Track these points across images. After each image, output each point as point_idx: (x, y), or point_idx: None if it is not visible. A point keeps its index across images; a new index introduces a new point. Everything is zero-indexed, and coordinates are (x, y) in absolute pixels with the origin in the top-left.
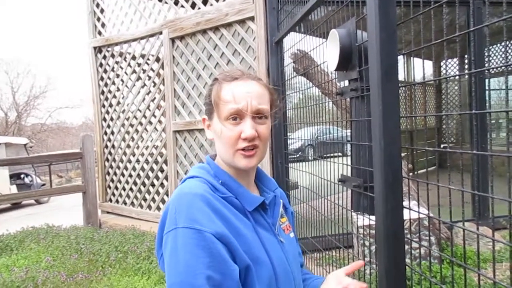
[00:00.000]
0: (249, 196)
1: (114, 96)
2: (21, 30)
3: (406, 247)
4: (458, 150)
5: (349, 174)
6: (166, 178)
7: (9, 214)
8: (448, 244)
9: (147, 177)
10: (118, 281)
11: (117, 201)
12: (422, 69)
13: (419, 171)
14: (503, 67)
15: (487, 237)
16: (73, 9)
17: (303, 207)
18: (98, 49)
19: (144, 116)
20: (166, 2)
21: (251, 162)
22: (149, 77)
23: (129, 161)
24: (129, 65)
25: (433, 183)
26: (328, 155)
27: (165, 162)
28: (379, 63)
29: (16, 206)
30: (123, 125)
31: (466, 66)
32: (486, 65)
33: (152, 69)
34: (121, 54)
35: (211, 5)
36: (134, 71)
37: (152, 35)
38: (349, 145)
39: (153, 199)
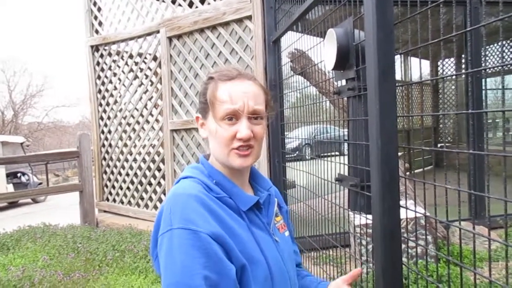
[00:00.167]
0: (243, 196)
1: (111, 95)
2: (18, 29)
3: (403, 246)
4: (454, 149)
5: (346, 173)
6: (163, 177)
7: (6, 213)
8: (445, 243)
9: (144, 176)
10: (115, 280)
11: (114, 200)
12: (419, 68)
13: (416, 171)
14: (499, 67)
15: (484, 236)
16: (70, 7)
17: (300, 206)
18: (95, 48)
19: (141, 115)
20: (163, 1)
21: (246, 161)
22: (146, 76)
23: (126, 160)
24: (126, 63)
25: (429, 182)
26: (325, 154)
27: (162, 161)
28: (376, 63)
29: (12, 205)
30: (120, 124)
31: (463, 66)
32: (483, 65)
33: (149, 68)
34: (118, 53)
35: (209, 3)
36: (131, 70)
37: (149, 34)
38: (346, 144)
39: (150, 198)
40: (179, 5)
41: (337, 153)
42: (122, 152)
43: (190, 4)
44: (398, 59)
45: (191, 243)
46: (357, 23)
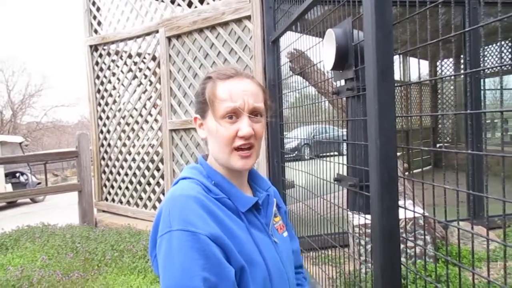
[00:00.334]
0: (242, 197)
1: (110, 95)
2: (17, 28)
3: (402, 246)
4: (453, 149)
5: (345, 173)
6: (162, 177)
7: (4, 213)
8: (443, 243)
9: (143, 176)
10: (114, 280)
11: (113, 200)
12: (418, 69)
13: (414, 171)
14: (498, 67)
15: (482, 236)
16: (69, 7)
17: (299, 206)
18: (94, 48)
19: (140, 115)
20: (162, 1)
21: (247, 163)
22: (146, 76)
23: (125, 159)
24: (125, 63)
25: (428, 182)
26: (324, 154)
27: (161, 161)
28: (375, 63)
29: (11, 204)
30: (119, 123)
31: (462, 66)
32: (482, 65)
33: (148, 68)
34: (117, 53)
35: (208, 3)
36: (130, 70)
37: (148, 34)
38: (345, 144)
39: (149, 198)
40: (178, 5)
41: (336, 153)
42: (121, 152)
43: (189, 4)
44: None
45: (190, 245)
46: (356, 23)
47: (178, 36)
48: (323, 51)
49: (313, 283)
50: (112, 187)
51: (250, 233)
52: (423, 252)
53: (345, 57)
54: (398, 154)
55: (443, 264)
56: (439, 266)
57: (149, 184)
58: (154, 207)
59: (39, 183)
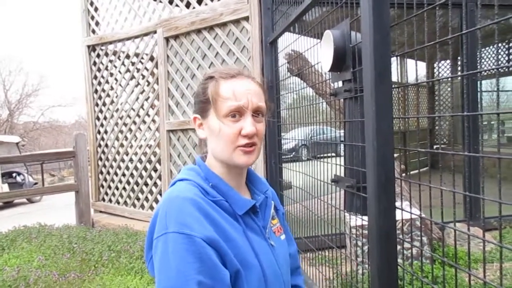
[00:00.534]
0: (239, 199)
1: (108, 95)
2: (14, 28)
3: (398, 247)
4: (450, 151)
5: (342, 175)
6: (159, 177)
7: (1, 213)
8: (440, 244)
9: (141, 176)
10: (111, 280)
11: (110, 201)
12: (415, 70)
13: (411, 172)
14: (494, 69)
15: (478, 238)
16: (67, 7)
17: (297, 207)
18: (91, 48)
19: (138, 115)
20: (160, 1)
21: (250, 158)
22: (143, 76)
23: (123, 160)
24: (123, 64)
25: (425, 184)
26: (322, 155)
27: (159, 161)
28: (372, 65)
29: (7, 205)
30: (116, 124)
31: (459, 68)
32: (478, 67)
33: (146, 68)
34: (115, 53)
35: (206, 4)
36: (128, 70)
37: (146, 34)
38: (342, 146)
39: (146, 199)
40: (176, 5)
41: (333, 154)
42: (118, 152)
43: (188, 5)
44: (394, 61)
45: (186, 248)
46: (353, 25)
47: (176, 37)
48: (321, 53)
49: (310, 284)
50: (109, 187)
51: (246, 236)
52: (419, 253)
53: (343, 59)
54: (395, 155)
55: (439, 265)
56: (436, 267)
57: (146, 184)
58: (151, 207)
59: (35, 183)
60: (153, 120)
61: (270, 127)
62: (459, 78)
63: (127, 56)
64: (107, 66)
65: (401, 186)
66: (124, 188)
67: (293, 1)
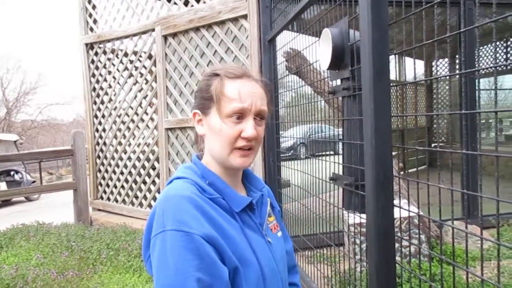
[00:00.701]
0: (236, 197)
1: (106, 93)
2: (12, 25)
3: (396, 245)
4: (448, 149)
5: (340, 173)
6: (157, 175)
7: None
8: (438, 242)
9: (139, 174)
10: (109, 278)
11: (108, 199)
12: (413, 68)
13: (409, 170)
14: (492, 68)
15: (476, 236)
16: (65, 5)
17: (295, 205)
18: (89, 46)
19: (136, 114)
20: None
21: (246, 161)
22: (141, 74)
23: (121, 158)
24: (121, 62)
25: (423, 182)
26: (320, 153)
27: (157, 159)
28: (371, 63)
29: (5, 203)
30: (114, 122)
31: (457, 66)
32: (477, 65)
33: (144, 66)
34: (113, 51)
35: (204, 2)
36: (126, 68)
37: (144, 32)
38: (340, 144)
39: (145, 197)
40: (175, 3)
41: (331, 152)
42: (116, 151)
43: (186, 3)
44: (392, 59)
45: (184, 245)
46: (352, 23)
47: (174, 35)
48: (319, 51)
49: (308, 282)
50: (108, 185)
51: (244, 233)
52: (417, 251)
53: (341, 57)
54: (394, 153)
55: (437, 263)
56: (434, 265)
57: (144, 182)
58: (150, 205)
59: (34, 182)
60: (151, 118)
61: (268, 125)
62: (457, 76)
63: (125, 54)
64: (105, 64)
65: (399, 184)
66: (122, 186)
67: None
